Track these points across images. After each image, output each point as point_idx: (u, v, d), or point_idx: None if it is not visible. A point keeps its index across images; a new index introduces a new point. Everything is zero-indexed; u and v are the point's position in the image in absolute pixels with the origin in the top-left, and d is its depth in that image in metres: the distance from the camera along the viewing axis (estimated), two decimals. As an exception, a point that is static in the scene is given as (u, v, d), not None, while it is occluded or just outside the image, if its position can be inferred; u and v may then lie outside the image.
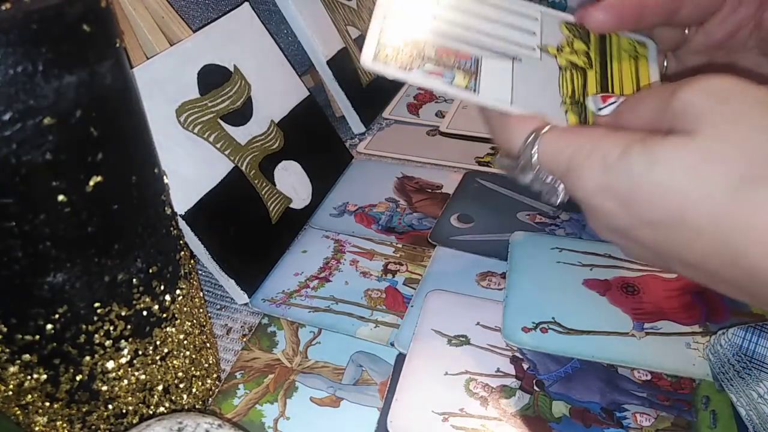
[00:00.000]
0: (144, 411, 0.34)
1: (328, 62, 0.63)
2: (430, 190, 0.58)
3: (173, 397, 0.36)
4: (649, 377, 0.39)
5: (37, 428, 0.32)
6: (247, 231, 0.48)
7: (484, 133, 0.64)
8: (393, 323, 0.44)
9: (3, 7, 0.23)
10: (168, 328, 0.34)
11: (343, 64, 0.65)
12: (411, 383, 0.39)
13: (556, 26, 0.33)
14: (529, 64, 0.31)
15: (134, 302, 0.31)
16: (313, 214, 0.55)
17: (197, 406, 0.38)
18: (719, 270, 0.23)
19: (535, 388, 0.39)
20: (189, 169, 0.44)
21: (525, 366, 0.40)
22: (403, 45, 0.29)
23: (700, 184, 0.22)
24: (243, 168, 0.48)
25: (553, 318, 0.43)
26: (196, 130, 0.45)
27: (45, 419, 0.32)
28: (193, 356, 0.37)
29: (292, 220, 0.52)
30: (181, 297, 0.35)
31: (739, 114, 0.22)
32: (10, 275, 0.27)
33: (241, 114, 0.50)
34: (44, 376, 0.30)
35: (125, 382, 0.33)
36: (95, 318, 0.30)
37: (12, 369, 0.30)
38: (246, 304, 0.47)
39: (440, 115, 0.69)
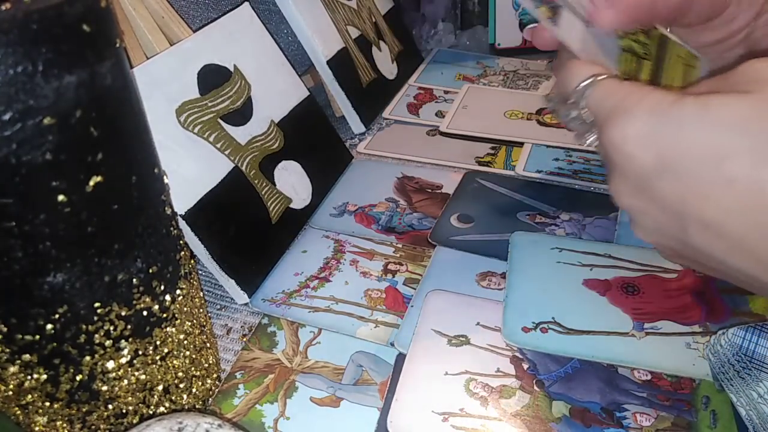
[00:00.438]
0: (144, 411, 0.34)
1: (328, 62, 0.63)
2: (430, 190, 0.58)
3: (173, 397, 0.36)
4: (649, 377, 0.39)
5: (37, 428, 0.32)
6: (247, 231, 0.48)
7: (484, 133, 0.65)
8: (393, 323, 0.44)
9: (3, 7, 0.23)
10: (168, 328, 0.34)
11: (343, 64, 0.65)
12: (411, 383, 0.39)
13: None
14: (598, 32, 0.32)
15: (134, 302, 0.31)
16: (313, 214, 0.55)
17: (197, 406, 0.38)
18: (741, 233, 0.22)
19: (535, 388, 0.39)
20: (189, 169, 0.44)
21: (525, 366, 0.40)
22: None
23: (746, 134, 0.22)
24: (243, 168, 0.48)
25: (553, 318, 0.43)
26: (196, 130, 0.45)
27: (45, 419, 0.32)
28: (193, 356, 0.37)
29: (292, 220, 0.52)
30: (181, 297, 0.35)
31: None
32: (10, 275, 0.27)
33: (241, 114, 0.50)
34: (44, 376, 0.30)
35: (125, 382, 0.33)
36: (95, 318, 0.30)
37: (12, 369, 0.30)
38: (246, 304, 0.47)
39: (440, 115, 0.69)
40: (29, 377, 0.30)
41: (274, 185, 0.51)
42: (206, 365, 0.39)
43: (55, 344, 0.29)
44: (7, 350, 0.29)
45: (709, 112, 0.23)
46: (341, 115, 0.68)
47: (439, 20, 0.86)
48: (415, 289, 0.47)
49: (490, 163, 0.61)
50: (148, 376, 0.33)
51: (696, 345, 0.41)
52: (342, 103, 0.66)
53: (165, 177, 0.34)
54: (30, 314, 0.28)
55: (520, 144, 0.63)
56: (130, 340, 0.32)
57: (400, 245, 0.51)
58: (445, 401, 0.38)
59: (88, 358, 0.30)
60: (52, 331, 0.29)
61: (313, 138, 0.58)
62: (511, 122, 0.67)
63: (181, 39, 0.47)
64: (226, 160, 0.47)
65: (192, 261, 0.38)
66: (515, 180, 0.59)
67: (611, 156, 0.26)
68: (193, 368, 0.37)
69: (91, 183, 0.27)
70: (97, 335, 0.30)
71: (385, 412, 0.38)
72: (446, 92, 0.74)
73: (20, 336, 0.28)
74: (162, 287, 0.33)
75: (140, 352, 0.33)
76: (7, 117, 0.24)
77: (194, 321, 0.37)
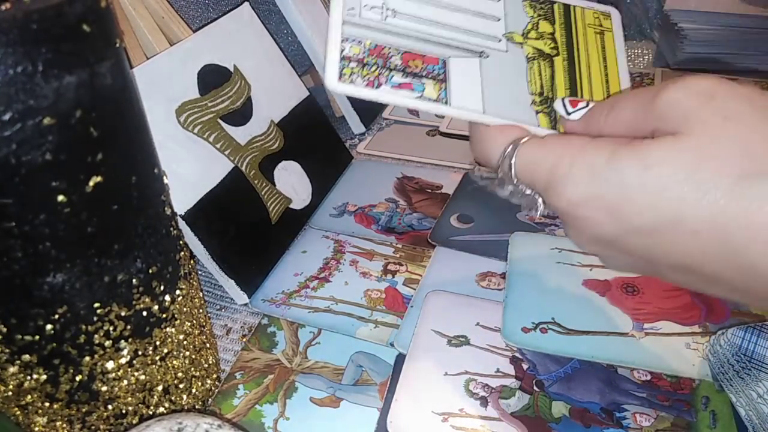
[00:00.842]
0: (144, 411, 0.34)
1: (328, 62, 0.62)
2: (430, 191, 0.58)
3: (173, 398, 0.36)
4: (648, 377, 0.39)
5: (36, 428, 0.32)
6: (246, 231, 0.48)
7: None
8: (393, 323, 0.44)
9: (3, 7, 0.23)
10: (168, 329, 0.34)
11: (343, 64, 0.65)
12: (411, 383, 0.39)
13: (520, 6, 0.32)
14: (496, 59, 0.30)
15: (134, 302, 0.31)
16: (313, 214, 0.55)
17: (197, 407, 0.38)
18: (716, 270, 0.23)
19: (535, 388, 0.39)
20: (189, 169, 0.44)
21: (525, 366, 0.40)
22: (368, 55, 0.28)
23: (697, 185, 0.22)
24: (243, 168, 0.48)
25: (552, 318, 0.43)
26: (196, 130, 0.45)
27: (45, 419, 0.32)
28: (193, 356, 0.37)
29: (291, 220, 0.52)
30: (180, 297, 0.35)
31: (726, 110, 0.22)
32: (10, 275, 0.27)
33: (241, 114, 0.50)
34: (44, 377, 0.30)
35: (125, 382, 0.32)
36: (95, 318, 0.30)
37: (12, 369, 0.29)
38: (246, 305, 0.47)
39: (440, 115, 0.69)
40: (29, 377, 0.30)
41: (274, 185, 0.51)
42: (206, 365, 0.39)
43: (54, 344, 0.29)
44: (7, 350, 0.29)
45: (651, 171, 0.23)
46: (341, 116, 0.68)
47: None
48: (414, 289, 0.47)
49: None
50: (147, 377, 0.33)
51: (696, 345, 0.41)
52: (342, 103, 0.66)
53: (165, 177, 0.34)
54: (30, 314, 0.28)
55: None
56: (130, 340, 0.32)
57: (399, 245, 0.51)
58: (445, 401, 0.38)
59: (87, 358, 0.30)
60: (52, 332, 0.29)
61: (313, 138, 0.57)
62: (510, 122, 0.67)
63: (181, 39, 0.47)
64: (225, 160, 0.47)
65: (192, 261, 0.38)
66: (515, 180, 0.59)
67: (563, 218, 0.27)
68: (192, 368, 0.37)
69: (91, 183, 0.27)
70: (96, 335, 0.30)
71: (384, 412, 0.38)
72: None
73: (20, 336, 0.28)
74: (162, 287, 0.33)
75: (140, 353, 0.33)
76: (7, 117, 0.24)
77: (194, 321, 0.37)
